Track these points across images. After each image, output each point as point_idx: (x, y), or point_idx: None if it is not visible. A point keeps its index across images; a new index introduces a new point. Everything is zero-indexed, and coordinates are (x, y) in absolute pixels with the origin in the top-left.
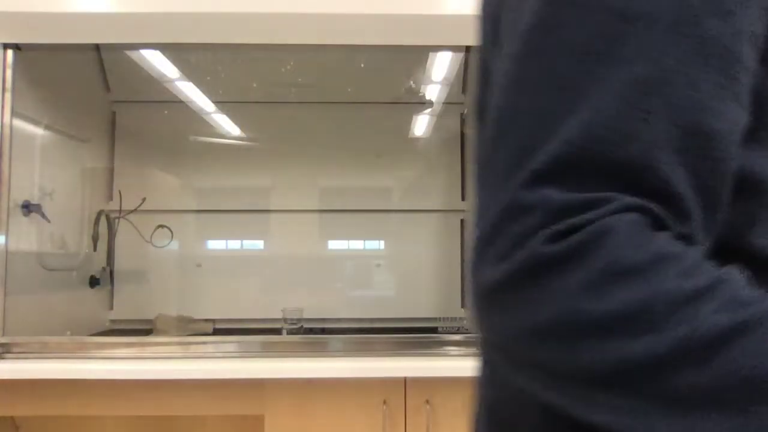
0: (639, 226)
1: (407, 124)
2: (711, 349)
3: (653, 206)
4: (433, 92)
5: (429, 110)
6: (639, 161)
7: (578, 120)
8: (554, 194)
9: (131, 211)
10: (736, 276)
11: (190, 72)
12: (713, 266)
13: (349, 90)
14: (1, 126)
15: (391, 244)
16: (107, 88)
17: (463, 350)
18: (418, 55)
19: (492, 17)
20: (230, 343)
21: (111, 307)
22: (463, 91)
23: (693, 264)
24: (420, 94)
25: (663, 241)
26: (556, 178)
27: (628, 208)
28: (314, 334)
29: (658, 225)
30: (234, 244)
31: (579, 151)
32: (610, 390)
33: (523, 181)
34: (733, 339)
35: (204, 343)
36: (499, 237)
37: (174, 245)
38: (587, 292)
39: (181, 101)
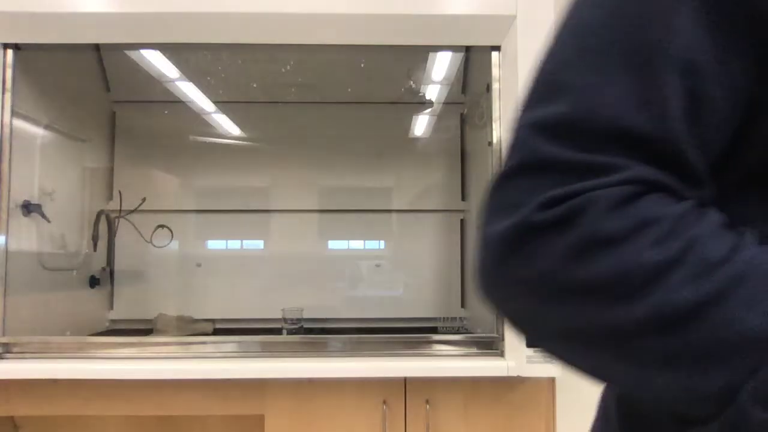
0: (629, 196)
1: (407, 124)
2: (678, 321)
3: (664, 176)
4: (433, 92)
5: (429, 110)
6: (657, 132)
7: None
8: (566, 154)
9: (131, 211)
10: (710, 226)
11: (190, 72)
12: (694, 219)
13: (349, 90)
14: (1, 126)
15: (391, 244)
16: (107, 88)
17: (463, 350)
18: (418, 55)
19: None
20: (230, 343)
21: (111, 307)
22: (463, 91)
23: (671, 227)
24: (420, 94)
25: (647, 204)
26: (572, 136)
27: (631, 181)
28: (314, 334)
29: (664, 192)
30: (234, 244)
31: (595, 116)
32: (576, 343)
33: (540, 129)
34: (698, 313)
35: (204, 343)
36: (510, 187)
37: (174, 245)
38: (567, 261)
39: (181, 101)
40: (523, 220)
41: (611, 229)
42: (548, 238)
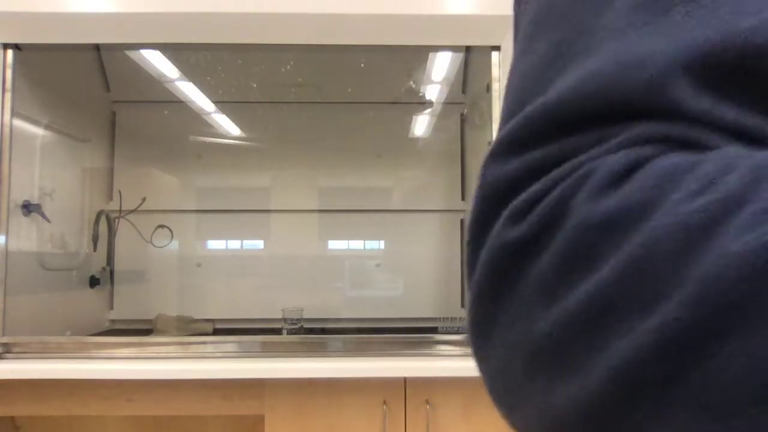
0: (640, 160)
1: (407, 124)
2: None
3: (682, 128)
4: (433, 92)
5: (429, 110)
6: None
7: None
8: (531, 154)
9: (131, 211)
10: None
11: (190, 72)
12: (742, 155)
13: (349, 90)
14: (1, 126)
15: (391, 244)
16: (107, 88)
17: (463, 350)
18: (418, 55)
19: None
20: (230, 343)
21: (111, 307)
22: (463, 91)
23: (715, 168)
24: (420, 94)
25: (668, 160)
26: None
27: (636, 141)
28: (314, 334)
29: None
30: (234, 244)
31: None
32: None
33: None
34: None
35: (204, 343)
36: (483, 214)
37: (174, 245)
38: (560, 276)
39: (181, 101)
40: (494, 240)
41: (614, 204)
42: (533, 257)
